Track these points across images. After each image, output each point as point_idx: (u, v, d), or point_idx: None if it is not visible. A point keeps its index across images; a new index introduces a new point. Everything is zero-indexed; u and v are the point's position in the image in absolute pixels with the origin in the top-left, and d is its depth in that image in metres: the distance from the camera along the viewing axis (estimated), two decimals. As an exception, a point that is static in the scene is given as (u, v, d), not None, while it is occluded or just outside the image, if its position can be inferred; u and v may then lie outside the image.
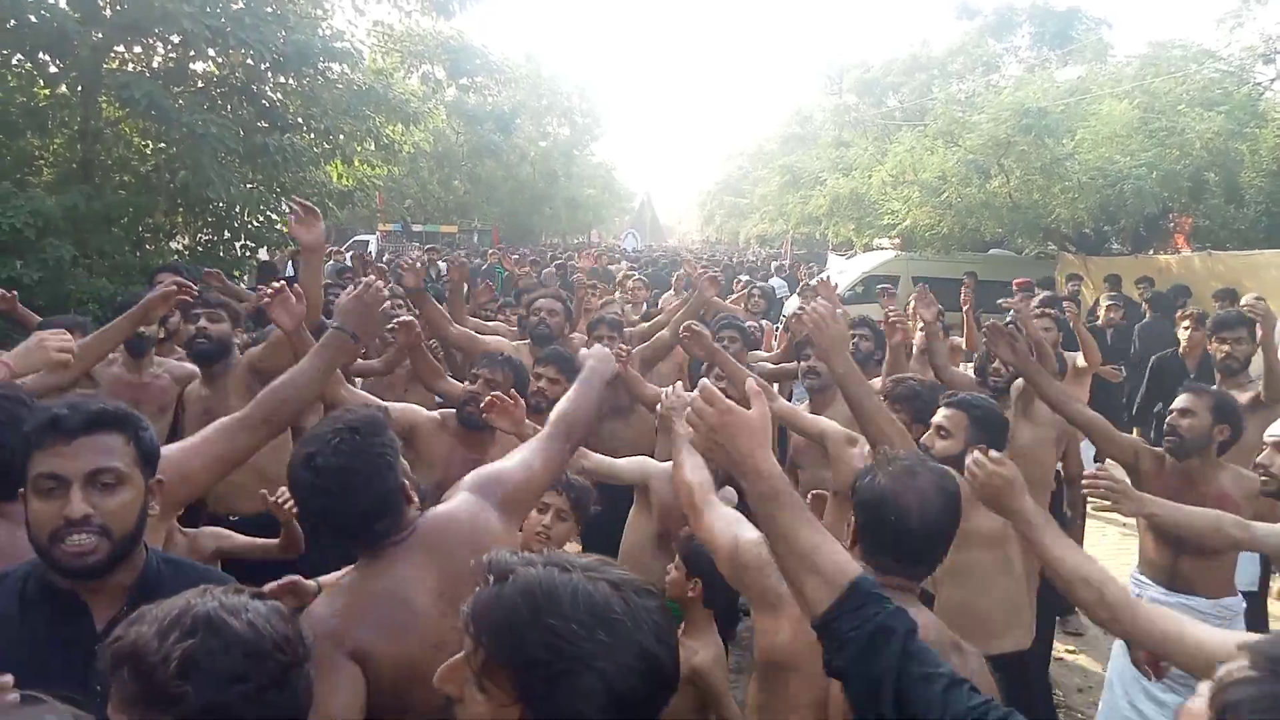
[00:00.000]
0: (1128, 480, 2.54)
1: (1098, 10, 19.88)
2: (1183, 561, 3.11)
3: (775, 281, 13.18)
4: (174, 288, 3.20)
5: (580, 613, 0.93)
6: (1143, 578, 3.29)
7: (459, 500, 1.84)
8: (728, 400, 1.44)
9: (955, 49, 20.92)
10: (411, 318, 4.06)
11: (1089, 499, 4.29)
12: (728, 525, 1.88)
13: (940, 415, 2.83)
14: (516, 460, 1.98)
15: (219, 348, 3.56)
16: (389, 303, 4.80)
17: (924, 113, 16.72)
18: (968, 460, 1.98)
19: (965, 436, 2.73)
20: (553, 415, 2.09)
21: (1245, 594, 3.39)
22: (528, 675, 0.93)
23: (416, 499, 1.78)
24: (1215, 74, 12.57)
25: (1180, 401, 3.18)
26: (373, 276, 2.39)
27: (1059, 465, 4.32)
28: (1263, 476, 2.84)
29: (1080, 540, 4.30)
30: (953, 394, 2.99)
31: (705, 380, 1.58)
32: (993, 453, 1.95)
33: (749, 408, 1.45)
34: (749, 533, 1.83)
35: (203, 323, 3.55)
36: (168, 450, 1.92)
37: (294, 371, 2.10)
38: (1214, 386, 3.54)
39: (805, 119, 29.27)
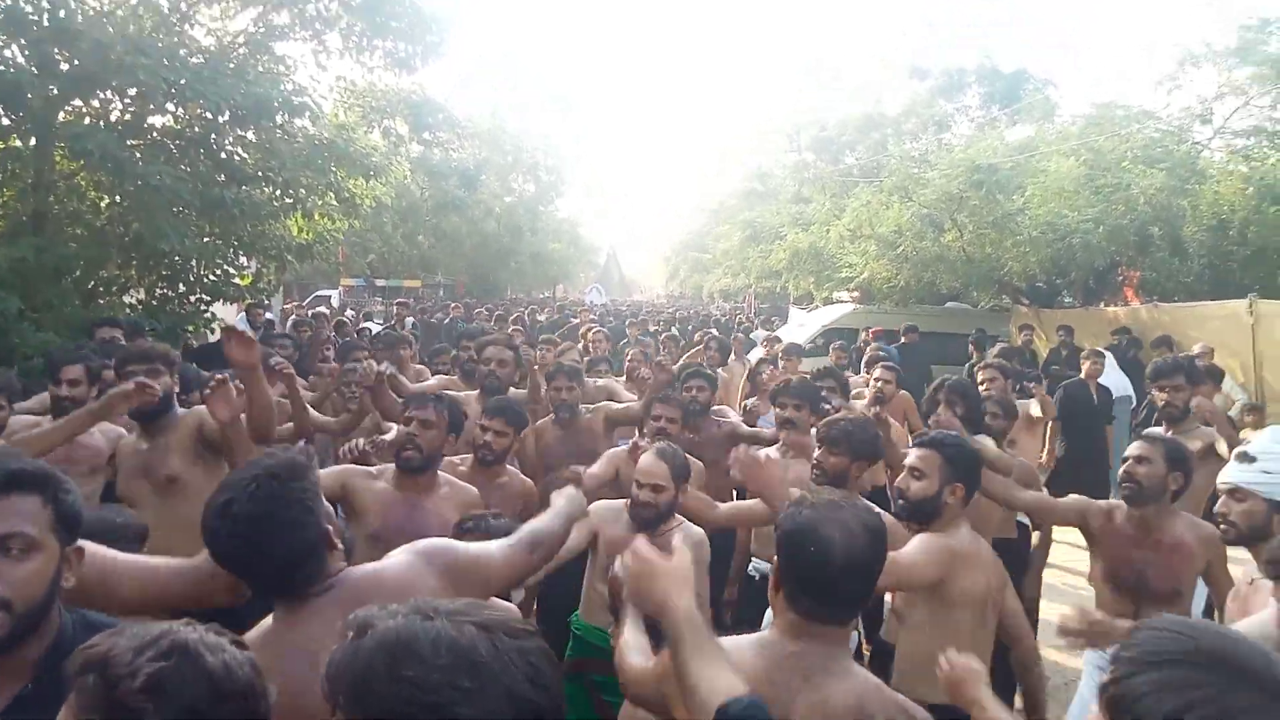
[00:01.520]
0: (1094, 619, 2.49)
1: (1043, 72, 20.59)
2: (1146, 610, 3.10)
3: (759, 335, 13.27)
4: (132, 387, 3.12)
5: (441, 659, 0.89)
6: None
7: (394, 559, 1.77)
8: (648, 553, 1.62)
9: (908, 109, 21.61)
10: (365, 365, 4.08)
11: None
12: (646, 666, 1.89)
13: (913, 456, 2.81)
14: (475, 545, 1.94)
15: (161, 403, 3.42)
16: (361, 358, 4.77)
17: (879, 169, 17.15)
18: (940, 661, 1.96)
19: (939, 477, 2.71)
20: (524, 528, 2.08)
21: None
22: None
23: (341, 545, 1.71)
24: (1156, 133, 13.07)
25: (1135, 449, 3.21)
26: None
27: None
28: (1222, 525, 2.84)
29: (1037, 588, 4.30)
30: (923, 434, 2.99)
31: (637, 543, 1.67)
32: (952, 654, 1.96)
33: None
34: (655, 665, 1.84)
35: (141, 379, 3.43)
36: (106, 553, 1.81)
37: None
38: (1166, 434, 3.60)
39: (765, 176, 29.88)
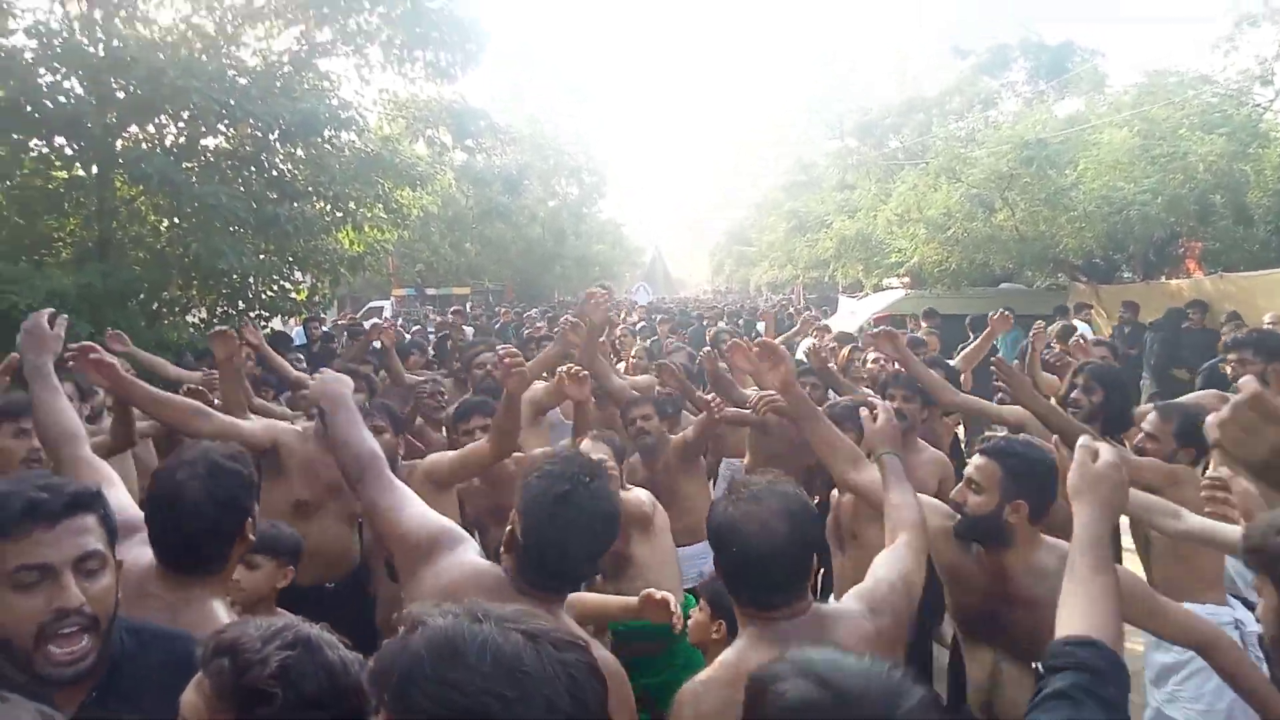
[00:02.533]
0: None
1: (1090, 42, 19.97)
2: (1155, 570, 3.11)
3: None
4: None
5: (486, 665, 0.90)
6: None
7: None
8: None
9: (951, 88, 21.18)
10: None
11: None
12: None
13: (971, 466, 2.44)
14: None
15: None
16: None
17: (925, 151, 16.86)
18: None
19: (1000, 492, 2.32)
20: None
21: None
22: None
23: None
24: (1213, 98, 12.62)
25: (1145, 425, 3.17)
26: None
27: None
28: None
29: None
30: (988, 438, 2.55)
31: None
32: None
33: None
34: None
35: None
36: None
37: None
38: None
39: (808, 166, 29.59)
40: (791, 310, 20.38)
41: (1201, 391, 4.19)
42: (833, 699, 0.97)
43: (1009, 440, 2.47)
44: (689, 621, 2.52)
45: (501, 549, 1.79)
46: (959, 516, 2.40)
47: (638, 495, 3.41)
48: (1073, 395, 3.74)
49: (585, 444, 3.31)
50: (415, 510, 1.84)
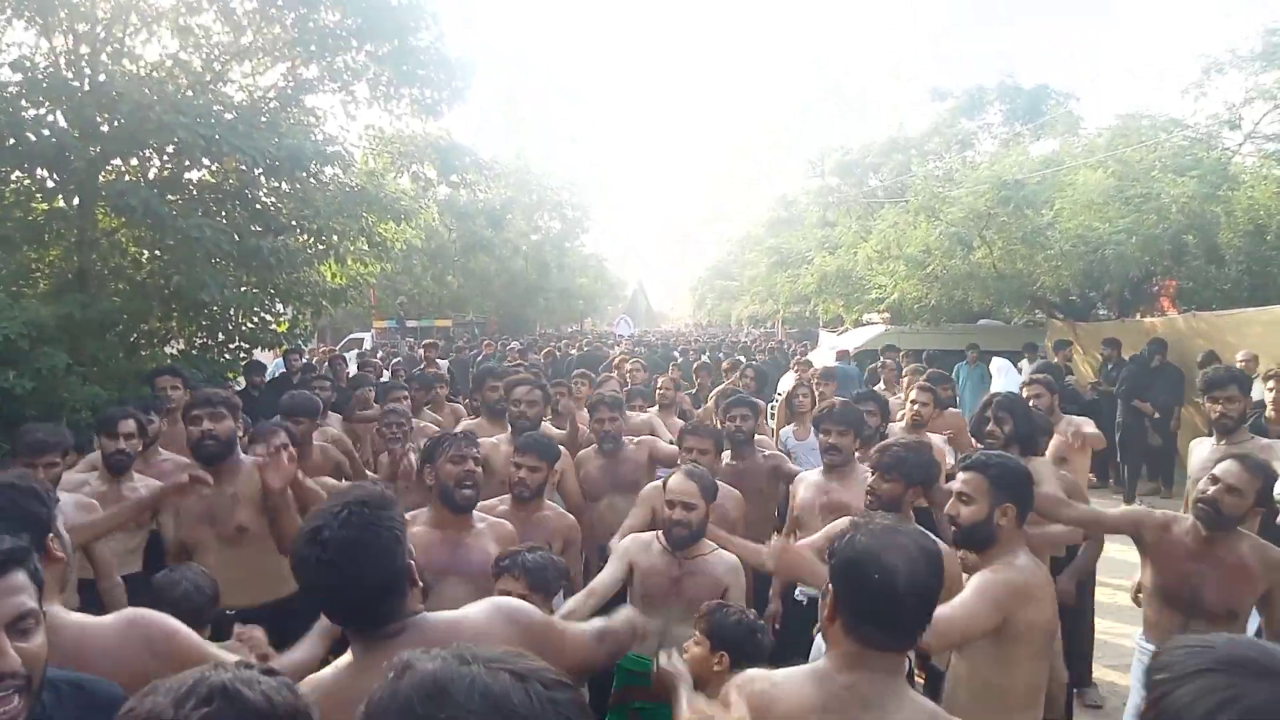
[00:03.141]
0: None
1: (1065, 85, 20.44)
2: (1194, 625, 3.03)
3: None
4: (187, 479, 3.28)
5: (474, 704, 0.90)
6: (1149, 645, 3.22)
7: (475, 610, 1.79)
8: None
9: (930, 130, 21.54)
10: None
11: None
12: None
13: (958, 480, 2.71)
14: (554, 618, 2.06)
15: (225, 446, 3.52)
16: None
17: (904, 190, 17.09)
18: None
19: (988, 499, 2.60)
20: (597, 623, 2.13)
21: None
22: None
23: (421, 583, 1.74)
24: (1184, 141, 12.91)
25: (1228, 475, 3.04)
26: None
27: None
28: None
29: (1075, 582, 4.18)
30: (967, 456, 2.87)
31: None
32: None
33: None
34: None
35: (206, 424, 3.49)
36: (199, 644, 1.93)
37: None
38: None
39: (790, 203, 29.92)
40: (773, 345, 20.51)
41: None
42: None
43: (985, 454, 2.80)
44: (686, 654, 2.51)
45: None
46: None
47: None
48: (987, 428, 3.97)
49: (675, 477, 3.30)
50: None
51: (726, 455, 4.68)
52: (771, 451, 5.08)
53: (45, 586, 1.64)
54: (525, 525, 3.42)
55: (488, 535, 3.12)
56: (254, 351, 9.55)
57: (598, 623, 2.10)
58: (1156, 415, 9.78)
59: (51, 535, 1.76)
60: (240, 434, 3.94)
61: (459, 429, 4.90)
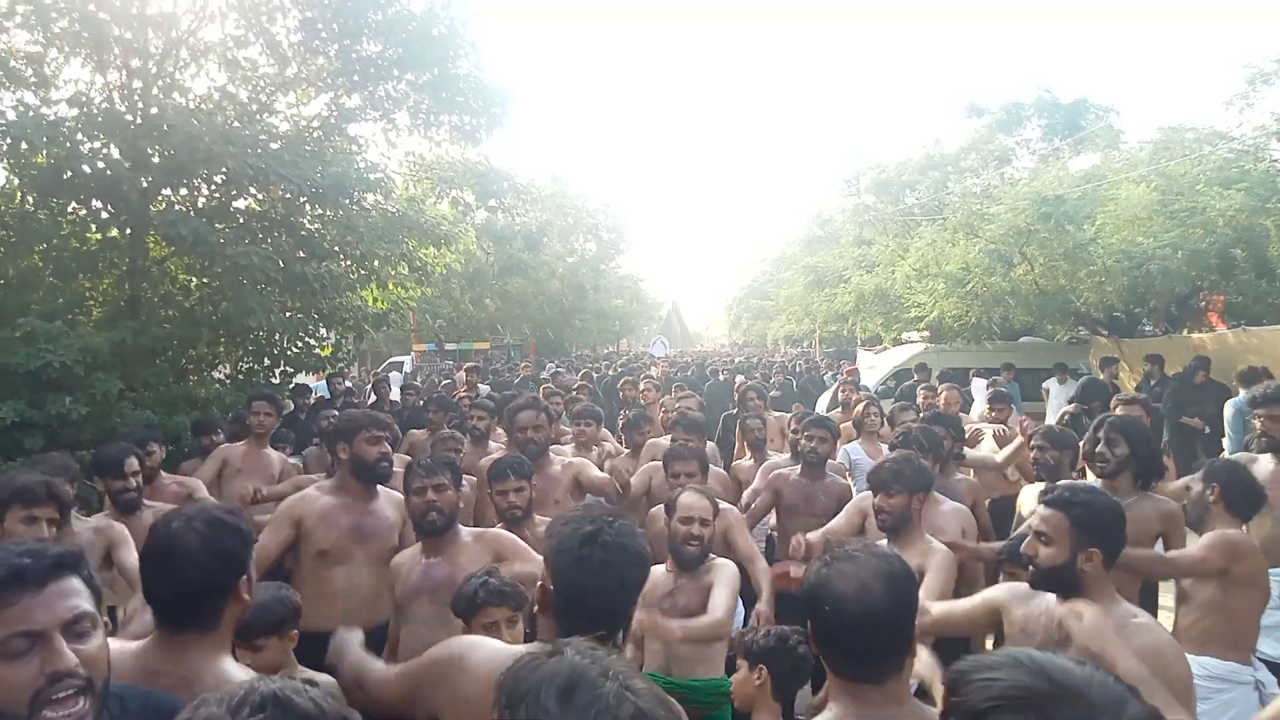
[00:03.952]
0: None
1: (1104, 99, 20.13)
2: (1185, 618, 3.19)
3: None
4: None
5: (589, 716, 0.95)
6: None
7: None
8: None
9: (967, 146, 21.34)
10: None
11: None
12: None
13: (1038, 517, 2.43)
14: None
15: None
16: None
17: (942, 208, 16.95)
18: None
19: (1069, 542, 2.32)
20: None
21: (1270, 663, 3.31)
22: None
23: None
24: (1230, 154, 12.67)
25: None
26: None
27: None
28: None
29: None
30: (1051, 489, 2.51)
31: None
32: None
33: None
34: None
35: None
36: None
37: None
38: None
39: (825, 221, 29.79)
40: (805, 364, 20.36)
41: None
42: (1050, 688, 0.97)
43: (1072, 489, 2.45)
44: (734, 678, 2.54)
45: (536, 611, 1.80)
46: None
47: None
48: (1097, 450, 3.67)
49: (686, 496, 3.36)
50: (396, 671, 1.97)
51: (796, 471, 4.72)
52: (841, 479, 4.97)
53: (220, 630, 1.74)
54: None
55: (479, 555, 3.10)
56: (298, 376, 9.73)
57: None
58: (1207, 430, 9.58)
59: (245, 576, 1.78)
60: (288, 454, 4.00)
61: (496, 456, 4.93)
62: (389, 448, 3.67)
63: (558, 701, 0.94)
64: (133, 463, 3.93)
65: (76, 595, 1.38)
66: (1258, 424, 4.28)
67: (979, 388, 10.65)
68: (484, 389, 13.13)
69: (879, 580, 1.63)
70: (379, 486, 3.64)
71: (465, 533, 3.20)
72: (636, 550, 1.73)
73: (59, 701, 1.30)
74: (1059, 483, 2.75)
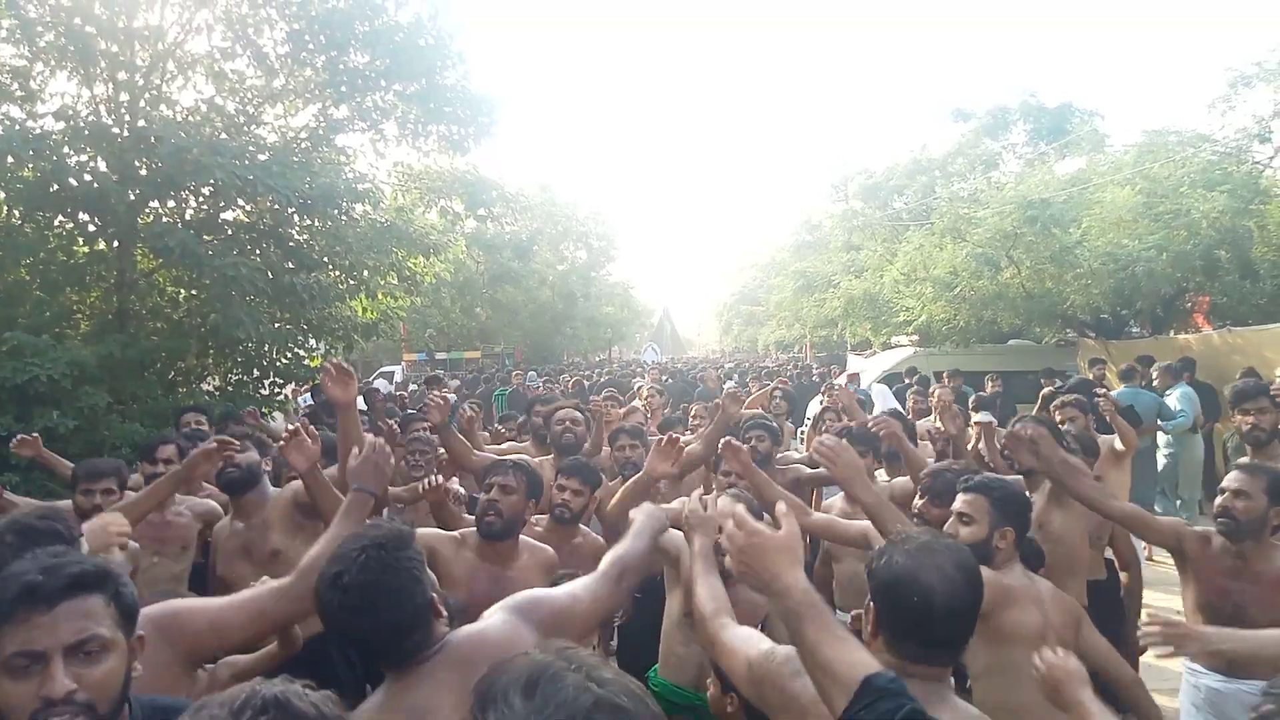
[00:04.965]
0: (1182, 624, 2.54)
1: (1089, 103, 20.27)
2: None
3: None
4: (214, 444, 3.31)
5: (549, 708, 0.94)
6: (1196, 666, 3.17)
7: (493, 619, 1.82)
8: (755, 523, 1.55)
9: (954, 151, 21.45)
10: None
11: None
12: (740, 645, 1.85)
13: (960, 501, 2.77)
14: (563, 589, 2.00)
15: (247, 475, 3.56)
16: (419, 429, 4.99)
17: (929, 212, 17.04)
18: (1035, 660, 1.98)
19: (989, 521, 2.68)
20: (608, 557, 2.11)
21: None
22: None
23: (445, 612, 1.77)
24: (1213, 156, 12.78)
25: (1233, 481, 3.07)
26: (376, 439, 2.49)
27: (1110, 553, 4.21)
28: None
29: (1133, 633, 4.12)
30: (968, 476, 2.89)
31: (726, 499, 1.64)
32: (1059, 650, 1.97)
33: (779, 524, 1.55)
34: (758, 647, 1.81)
35: (223, 436, 3.59)
36: (208, 603, 1.98)
37: (327, 539, 2.15)
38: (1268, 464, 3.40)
39: (814, 227, 29.87)
40: (796, 369, 20.40)
41: None
42: None
43: (989, 476, 2.86)
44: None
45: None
46: None
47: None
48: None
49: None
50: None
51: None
52: (790, 466, 5.02)
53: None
54: (562, 549, 3.43)
55: (530, 567, 3.10)
56: (287, 387, 9.70)
57: (610, 560, 2.08)
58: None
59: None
60: (267, 468, 4.00)
61: (502, 452, 4.99)
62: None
63: (521, 697, 0.95)
64: (168, 449, 4.02)
65: (90, 617, 1.35)
66: (1241, 421, 4.33)
67: (880, 393, 10.62)
68: (452, 397, 13.10)
69: (961, 572, 1.69)
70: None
71: (523, 543, 3.19)
72: (385, 584, 1.66)
73: None
74: (981, 474, 2.97)
